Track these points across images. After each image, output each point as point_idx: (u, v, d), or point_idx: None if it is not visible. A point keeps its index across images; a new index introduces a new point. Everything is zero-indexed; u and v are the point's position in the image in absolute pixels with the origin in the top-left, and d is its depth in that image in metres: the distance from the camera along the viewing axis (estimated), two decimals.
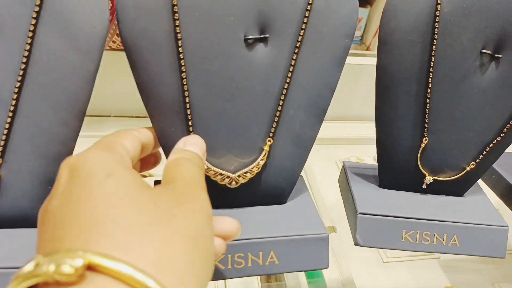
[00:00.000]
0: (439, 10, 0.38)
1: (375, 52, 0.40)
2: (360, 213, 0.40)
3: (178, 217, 0.22)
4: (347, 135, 0.76)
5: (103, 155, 0.24)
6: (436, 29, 0.38)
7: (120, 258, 0.18)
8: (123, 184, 0.22)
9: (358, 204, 0.40)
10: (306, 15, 0.34)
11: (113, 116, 0.71)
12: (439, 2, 0.38)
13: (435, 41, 0.38)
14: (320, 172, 0.64)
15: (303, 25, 0.34)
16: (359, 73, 0.79)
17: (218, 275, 0.33)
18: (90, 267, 0.18)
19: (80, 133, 0.33)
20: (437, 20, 0.38)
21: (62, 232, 0.20)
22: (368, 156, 0.70)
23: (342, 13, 0.35)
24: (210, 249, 0.23)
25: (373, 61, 0.41)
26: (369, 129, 0.73)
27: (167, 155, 0.36)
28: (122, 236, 0.19)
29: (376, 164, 0.44)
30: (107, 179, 0.22)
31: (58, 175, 0.23)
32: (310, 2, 0.34)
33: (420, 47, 0.39)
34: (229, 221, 0.29)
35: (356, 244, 0.39)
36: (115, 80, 0.69)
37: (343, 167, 0.47)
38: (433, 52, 0.39)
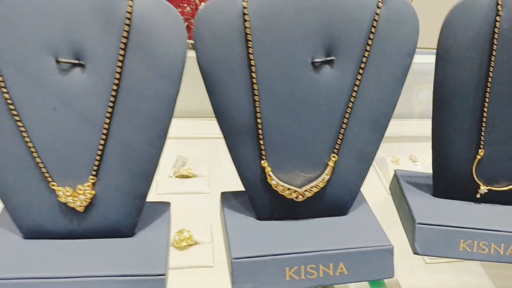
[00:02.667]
0: (498, 28, 0.38)
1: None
2: (419, 223, 0.41)
3: None
4: None
5: None
6: (494, 46, 0.38)
7: None
8: None
9: (416, 214, 0.41)
10: (371, 37, 0.35)
11: None
12: (498, 19, 0.38)
13: (493, 57, 0.39)
14: None
15: (368, 47, 0.35)
16: None
17: (293, 285, 0.35)
18: None
19: None
20: (495, 37, 0.38)
21: None
22: (404, 155, 0.71)
23: (404, 33, 0.36)
24: None
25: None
26: (401, 127, 0.72)
27: (240, 173, 0.38)
28: None
29: (428, 172, 0.45)
30: None
31: None
32: (375, 25, 0.35)
33: (477, 63, 0.40)
34: None
35: (415, 253, 0.41)
36: None
37: (395, 176, 0.48)
38: (491, 68, 0.39)
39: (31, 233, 0.37)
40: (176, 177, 0.65)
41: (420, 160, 0.74)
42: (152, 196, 0.62)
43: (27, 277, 0.34)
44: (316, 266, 0.38)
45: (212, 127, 0.39)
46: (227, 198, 0.43)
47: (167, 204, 0.42)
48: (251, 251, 0.37)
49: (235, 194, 0.44)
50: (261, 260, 0.37)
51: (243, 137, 0.37)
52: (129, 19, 0.32)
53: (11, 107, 0.33)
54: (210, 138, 0.72)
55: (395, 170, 0.50)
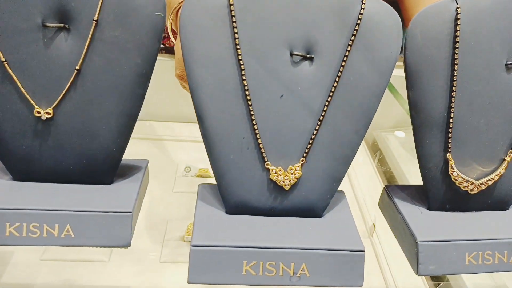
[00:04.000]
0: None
1: None
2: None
3: None
4: None
5: None
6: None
7: None
8: None
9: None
10: None
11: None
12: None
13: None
14: None
15: None
16: None
17: (472, 269, 0.38)
18: None
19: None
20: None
21: None
22: None
23: None
24: None
25: None
26: None
27: (422, 163, 0.41)
28: None
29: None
30: None
31: None
32: None
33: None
34: None
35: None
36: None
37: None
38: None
39: (236, 208, 0.41)
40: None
41: None
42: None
43: (233, 246, 0.38)
44: (492, 253, 0.41)
45: None
46: (395, 190, 0.46)
47: (342, 192, 0.45)
48: (434, 236, 0.41)
49: (401, 187, 0.47)
50: (443, 245, 0.40)
51: (432, 130, 0.41)
52: (360, 19, 0.36)
53: (247, 93, 0.37)
54: None
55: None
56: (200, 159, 0.71)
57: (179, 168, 0.74)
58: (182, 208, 0.66)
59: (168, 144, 0.83)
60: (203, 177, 0.73)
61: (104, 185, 0.42)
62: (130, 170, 0.45)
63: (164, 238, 0.60)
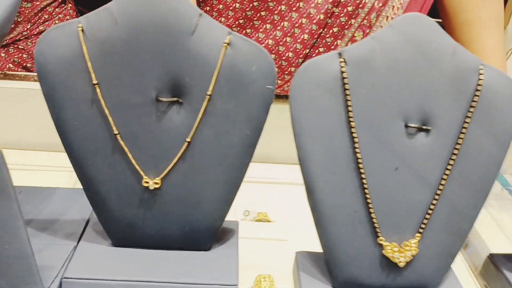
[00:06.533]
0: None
1: None
2: None
3: None
4: None
5: None
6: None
7: None
8: None
9: None
10: None
11: None
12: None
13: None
14: None
15: None
16: None
17: None
18: None
19: None
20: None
21: None
22: None
23: None
24: None
25: None
26: None
27: None
28: None
29: None
30: None
31: None
32: None
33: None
34: None
35: None
36: None
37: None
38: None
39: (345, 285, 0.38)
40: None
41: None
42: None
43: None
44: None
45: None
46: (501, 260, 0.42)
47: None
48: None
49: (508, 256, 0.43)
50: None
51: None
52: (478, 90, 0.34)
53: (360, 165, 0.35)
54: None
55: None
56: (258, 201, 0.67)
57: (238, 211, 0.71)
58: (247, 255, 0.63)
59: None
60: (262, 221, 0.69)
61: (203, 252, 0.41)
62: (224, 234, 0.43)
63: None
